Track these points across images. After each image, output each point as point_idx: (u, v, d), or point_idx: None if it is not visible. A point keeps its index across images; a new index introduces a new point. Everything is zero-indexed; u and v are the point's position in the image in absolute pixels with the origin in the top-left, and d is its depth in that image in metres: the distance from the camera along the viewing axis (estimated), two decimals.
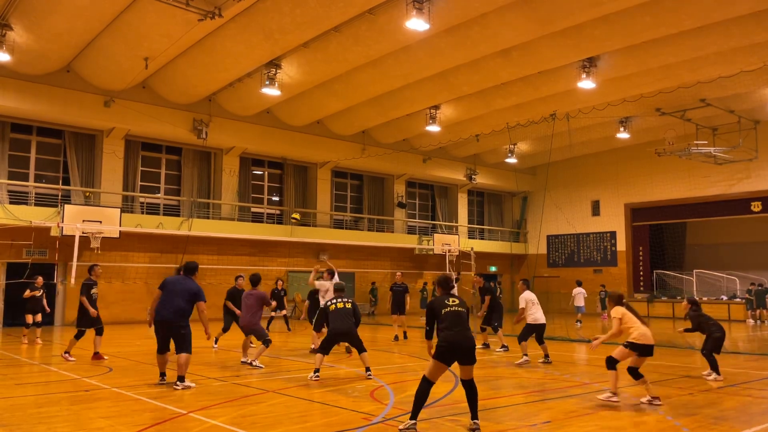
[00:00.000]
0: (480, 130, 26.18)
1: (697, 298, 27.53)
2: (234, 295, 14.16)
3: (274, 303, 18.35)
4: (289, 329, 19.72)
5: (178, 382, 8.84)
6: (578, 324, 22.60)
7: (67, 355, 11.94)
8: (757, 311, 24.71)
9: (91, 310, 11.71)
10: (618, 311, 8.65)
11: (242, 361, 11.52)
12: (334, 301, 10.49)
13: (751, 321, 24.89)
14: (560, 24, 16.56)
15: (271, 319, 18.92)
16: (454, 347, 6.55)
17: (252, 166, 26.73)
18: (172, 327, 8.90)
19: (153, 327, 9.05)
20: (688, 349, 14.86)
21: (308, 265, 26.46)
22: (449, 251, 29.04)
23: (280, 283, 19.38)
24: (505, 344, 14.16)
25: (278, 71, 19.83)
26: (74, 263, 16.38)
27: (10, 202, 19.91)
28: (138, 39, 17.57)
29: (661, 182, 29.81)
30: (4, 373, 10.57)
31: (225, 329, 14.25)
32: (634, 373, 8.30)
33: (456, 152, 30.84)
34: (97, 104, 21.15)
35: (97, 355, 11.92)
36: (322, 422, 6.98)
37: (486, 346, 14.56)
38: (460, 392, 8.83)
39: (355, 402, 8.04)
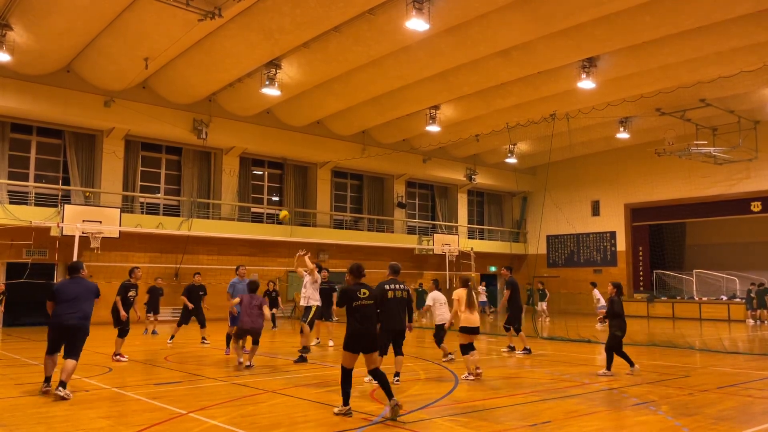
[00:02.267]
0: (480, 130, 26.17)
1: (697, 298, 27.93)
2: (191, 291, 14.99)
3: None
4: (274, 326, 19.55)
5: (61, 388, 8.09)
6: (599, 325, 21.86)
7: (118, 356, 11.85)
8: (758, 311, 24.67)
9: (122, 312, 11.82)
10: (458, 293, 9.80)
11: (246, 364, 11.14)
12: (392, 287, 8.78)
13: (751, 321, 24.87)
14: (560, 24, 16.55)
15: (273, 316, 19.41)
16: (361, 339, 7.19)
17: (252, 166, 26.73)
18: (79, 333, 8.37)
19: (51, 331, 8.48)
20: (689, 349, 14.86)
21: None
22: (449, 251, 29.07)
23: (271, 284, 20.89)
24: (528, 347, 13.50)
25: (278, 71, 19.82)
26: None
27: (10, 202, 19.91)
28: (138, 39, 17.57)
29: (661, 182, 29.81)
30: (4, 373, 10.57)
31: (182, 324, 15.03)
32: (464, 348, 9.60)
33: (456, 152, 30.83)
34: (97, 104, 21.15)
35: (118, 356, 11.93)
36: (322, 422, 6.97)
37: (511, 348, 13.77)
38: (460, 392, 8.86)
39: (355, 402, 8.03)
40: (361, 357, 7.31)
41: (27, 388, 9.11)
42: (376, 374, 7.22)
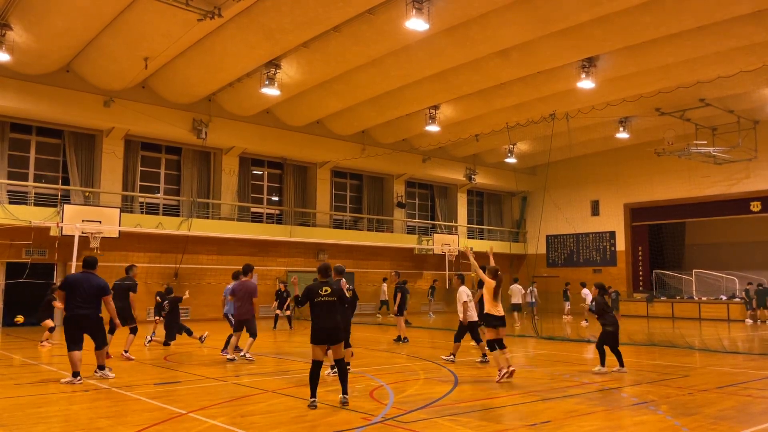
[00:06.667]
0: (480, 130, 26.17)
1: (697, 298, 27.92)
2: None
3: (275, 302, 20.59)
4: (290, 327, 20.09)
5: (98, 370, 9.53)
6: (585, 323, 22.67)
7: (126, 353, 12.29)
8: (758, 311, 24.66)
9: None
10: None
11: (238, 355, 11.84)
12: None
13: (750, 321, 24.86)
14: (560, 24, 16.55)
15: (276, 317, 20.33)
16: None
17: (252, 166, 26.73)
18: (90, 322, 9.28)
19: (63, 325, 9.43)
20: (688, 348, 14.87)
21: (308, 265, 26.53)
22: (449, 251, 29.06)
23: (282, 285, 20.74)
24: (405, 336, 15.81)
25: (278, 71, 19.82)
26: (74, 263, 16.39)
27: (10, 202, 19.89)
28: (138, 39, 17.56)
29: (660, 182, 29.82)
30: (3, 373, 10.57)
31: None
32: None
33: (455, 152, 30.83)
34: (96, 104, 21.14)
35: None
36: (322, 422, 6.97)
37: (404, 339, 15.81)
38: (460, 392, 8.86)
39: (354, 402, 8.04)
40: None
41: (26, 388, 9.11)
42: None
